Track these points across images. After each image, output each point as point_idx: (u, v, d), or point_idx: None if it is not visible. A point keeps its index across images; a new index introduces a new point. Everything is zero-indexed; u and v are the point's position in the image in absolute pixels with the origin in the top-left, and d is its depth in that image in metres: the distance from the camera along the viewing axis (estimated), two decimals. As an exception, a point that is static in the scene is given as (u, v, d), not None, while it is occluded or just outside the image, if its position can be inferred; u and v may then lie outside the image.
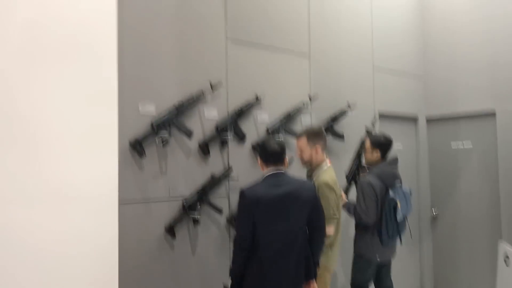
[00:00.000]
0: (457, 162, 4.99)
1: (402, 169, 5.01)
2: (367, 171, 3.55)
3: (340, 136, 4.05)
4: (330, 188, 3.02)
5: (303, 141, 3.18)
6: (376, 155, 3.51)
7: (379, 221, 3.36)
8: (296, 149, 3.31)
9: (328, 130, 4.01)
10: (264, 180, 2.68)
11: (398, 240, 3.53)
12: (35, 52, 2.34)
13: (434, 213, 5.17)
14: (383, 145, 3.52)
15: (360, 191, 3.39)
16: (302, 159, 3.25)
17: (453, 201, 5.02)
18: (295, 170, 3.57)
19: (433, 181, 5.22)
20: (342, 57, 4.33)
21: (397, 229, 3.42)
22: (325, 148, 3.24)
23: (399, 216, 3.37)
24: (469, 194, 4.86)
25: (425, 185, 5.22)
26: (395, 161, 3.54)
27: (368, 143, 3.57)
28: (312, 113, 3.98)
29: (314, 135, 3.19)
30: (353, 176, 3.87)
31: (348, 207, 3.49)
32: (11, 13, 2.28)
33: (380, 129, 4.66)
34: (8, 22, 2.26)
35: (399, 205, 3.36)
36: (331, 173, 3.17)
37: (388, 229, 3.35)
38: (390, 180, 3.41)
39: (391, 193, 3.35)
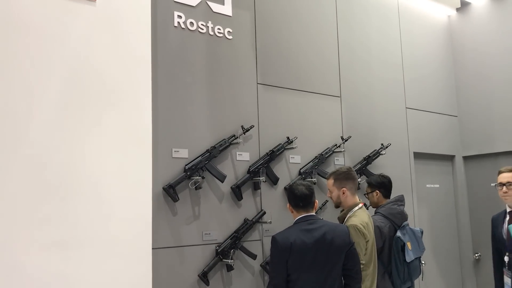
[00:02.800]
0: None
1: (440, 209, 4.91)
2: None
3: (373, 177, 3.97)
4: (359, 231, 2.82)
5: (330, 182, 3.09)
6: (377, 195, 3.44)
7: (390, 263, 3.22)
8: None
9: (361, 171, 3.94)
10: (296, 225, 2.60)
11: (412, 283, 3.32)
12: (74, 101, 2.42)
13: (476, 256, 4.94)
14: (381, 183, 3.44)
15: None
16: (333, 201, 3.16)
17: (496, 242, 4.79)
18: (330, 213, 3.50)
19: (474, 220, 5.01)
20: (374, 98, 4.30)
21: (408, 271, 3.24)
22: (355, 189, 3.05)
23: (408, 257, 3.20)
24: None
25: (465, 225, 5.02)
26: (401, 199, 3.40)
27: (367, 186, 3.53)
28: (345, 154, 3.94)
29: (341, 176, 3.03)
30: None
31: None
32: (53, 65, 2.38)
33: (416, 168, 4.56)
34: (50, 74, 2.36)
35: (409, 245, 3.22)
36: (362, 215, 2.95)
37: (399, 272, 3.19)
38: (398, 219, 3.29)
39: (398, 233, 3.22)
